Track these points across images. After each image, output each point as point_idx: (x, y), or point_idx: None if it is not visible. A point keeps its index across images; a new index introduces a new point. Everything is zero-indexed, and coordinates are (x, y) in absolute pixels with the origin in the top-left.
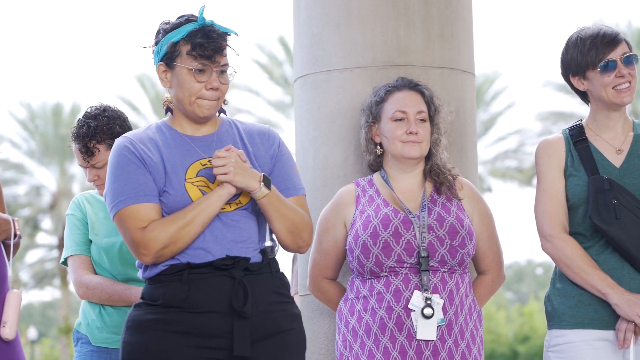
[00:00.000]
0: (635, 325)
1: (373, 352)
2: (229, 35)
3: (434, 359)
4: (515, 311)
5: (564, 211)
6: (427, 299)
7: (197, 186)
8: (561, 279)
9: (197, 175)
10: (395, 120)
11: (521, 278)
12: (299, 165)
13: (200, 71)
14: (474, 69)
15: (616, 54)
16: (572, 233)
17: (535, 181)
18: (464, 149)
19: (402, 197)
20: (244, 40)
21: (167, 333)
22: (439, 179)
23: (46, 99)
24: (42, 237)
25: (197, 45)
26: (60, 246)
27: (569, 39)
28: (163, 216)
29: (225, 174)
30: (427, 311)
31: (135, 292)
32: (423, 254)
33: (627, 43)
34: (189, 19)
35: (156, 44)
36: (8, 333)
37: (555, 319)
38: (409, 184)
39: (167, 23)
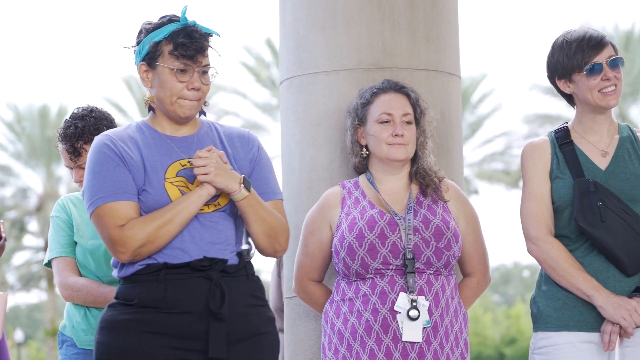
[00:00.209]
0: (621, 327)
1: (359, 354)
2: (211, 35)
3: None
4: (501, 314)
5: (550, 214)
6: (412, 300)
7: (177, 186)
8: (547, 281)
9: (176, 175)
10: (381, 122)
11: (508, 280)
12: (285, 168)
13: (182, 71)
14: (459, 72)
15: (602, 57)
16: (558, 235)
17: (521, 184)
18: (449, 151)
19: (387, 199)
20: (231, 42)
21: (142, 333)
22: (424, 181)
23: (33, 101)
24: (28, 240)
25: (180, 45)
26: (47, 248)
27: (555, 42)
28: (141, 215)
29: (205, 174)
30: (413, 313)
31: None
32: (409, 255)
33: (613, 46)
34: (171, 19)
35: (138, 43)
36: None
37: (540, 321)
38: (394, 186)
39: (149, 23)
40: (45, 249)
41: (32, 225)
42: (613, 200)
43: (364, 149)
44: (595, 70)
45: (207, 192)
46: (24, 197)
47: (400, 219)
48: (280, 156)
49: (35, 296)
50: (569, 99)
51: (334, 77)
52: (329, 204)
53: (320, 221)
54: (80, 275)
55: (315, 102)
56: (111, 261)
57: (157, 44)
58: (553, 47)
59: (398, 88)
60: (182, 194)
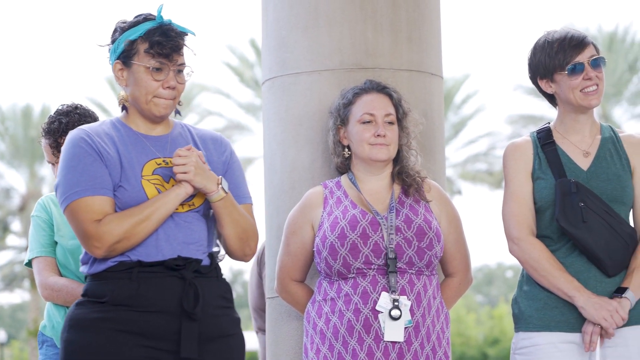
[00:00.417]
0: (602, 328)
1: (341, 354)
2: (187, 34)
3: None
4: (485, 314)
5: (532, 214)
6: (394, 300)
7: (154, 184)
8: (528, 281)
9: (153, 174)
10: (363, 122)
11: (491, 281)
12: (267, 168)
13: (158, 70)
14: (442, 72)
15: (584, 57)
16: (540, 236)
17: (504, 184)
18: (432, 151)
19: (369, 198)
20: (215, 42)
21: (113, 332)
22: (407, 181)
23: (16, 101)
24: (11, 239)
25: (155, 44)
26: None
27: (537, 42)
28: (115, 212)
29: (185, 172)
30: (395, 313)
31: None
32: (391, 255)
33: (595, 46)
34: (147, 18)
35: (113, 42)
36: None
37: (522, 322)
38: (376, 186)
39: (124, 22)
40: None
41: (15, 225)
42: (595, 200)
43: (346, 149)
44: (577, 70)
45: (185, 191)
46: (7, 197)
47: (382, 219)
48: (263, 156)
49: (18, 296)
50: (551, 99)
51: (316, 78)
52: (311, 204)
53: (302, 221)
54: (61, 275)
55: (298, 103)
56: (80, 257)
57: (133, 43)
58: (535, 47)
59: (380, 88)
60: (159, 192)
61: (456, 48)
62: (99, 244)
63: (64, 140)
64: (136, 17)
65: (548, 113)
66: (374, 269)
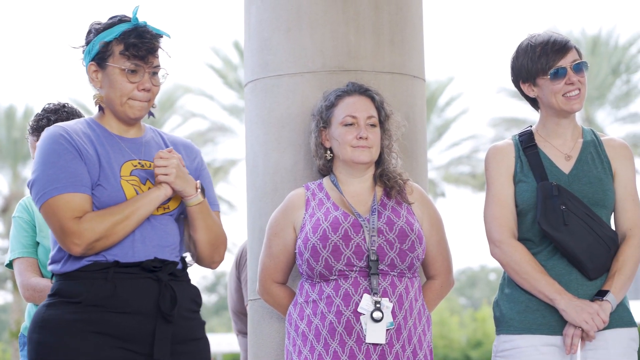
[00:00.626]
0: (583, 330)
1: (323, 356)
2: (162, 37)
3: None
4: (468, 316)
5: (513, 217)
6: (376, 302)
7: (132, 185)
8: (510, 284)
9: (130, 174)
10: (346, 125)
11: (474, 283)
12: (249, 170)
13: (133, 72)
14: (424, 75)
15: (566, 61)
16: (521, 239)
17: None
18: (414, 154)
19: (351, 200)
20: (199, 43)
21: (89, 334)
22: (389, 183)
23: None
24: None
25: (131, 45)
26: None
27: (520, 46)
28: (93, 210)
29: (166, 174)
30: (377, 315)
31: None
32: (372, 257)
33: (577, 50)
34: (121, 19)
35: (87, 43)
36: None
37: (503, 324)
38: (358, 188)
39: (99, 23)
40: None
41: None
42: (576, 204)
43: (328, 152)
44: (560, 74)
45: (164, 193)
46: None
47: (364, 221)
48: (245, 158)
49: (1, 297)
50: (533, 102)
51: (298, 80)
52: (293, 206)
53: (284, 223)
54: (42, 276)
55: (280, 105)
56: (51, 254)
57: (108, 44)
58: (517, 51)
59: (362, 91)
60: (137, 193)
61: (440, 51)
62: (79, 241)
63: None
64: (111, 18)
65: (531, 116)
66: (356, 271)
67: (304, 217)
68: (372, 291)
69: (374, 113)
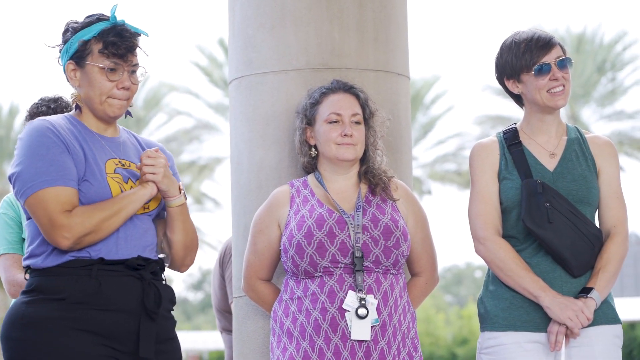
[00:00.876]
0: (567, 327)
1: (308, 353)
2: (140, 35)
3: None
4: (454, 314)
5: (498, 214)
6: (361, 299)
7: (117, 182)
8: (494, 281)
9: (114, 172)
10: (330, 122)
11: (460, 281)
12: (234, 168)
13: (112, 70)
14: (408, 72)
15: (550, 57)
16: (505, 236)
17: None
18: (399, 151)
19: (336, 197)
20: (184, 41)
21: (73, 331)
22: (373, 180)
23: None
24: None
25: (110, 44)
26: None
27: (504, 43)
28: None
29: (154, 173)
30: (362, 311)
31: None
32: (357, 254)
33: (562, 47)
34: (100, 18)
35: (65, 42)
36: None
37: (487, 321)
38: (343, 186)
39: (76, 22)
40: None
41: None
42: (560, 201)
43: (313, 149)
44: (544, 70)
45: (150, 192)
46: None
47: (349, 218)
48: (229, 156)
49: None
50: (518, 99)
51: (282, 77)
52: (278, 203)
53: (268, 220)
54: None
55: (264, 102)
56: (30, 249)
57: (86, 43)
58: (502, 48)
59: (347, 88)
60: (122, 191)
61: (426, 49)
62: (68, 234)
63: None
64: (88, 17)
65: (516, 114)
66: (341, 267)
67: (289, 214)
68: (357, 288)
69: (359, 110)
